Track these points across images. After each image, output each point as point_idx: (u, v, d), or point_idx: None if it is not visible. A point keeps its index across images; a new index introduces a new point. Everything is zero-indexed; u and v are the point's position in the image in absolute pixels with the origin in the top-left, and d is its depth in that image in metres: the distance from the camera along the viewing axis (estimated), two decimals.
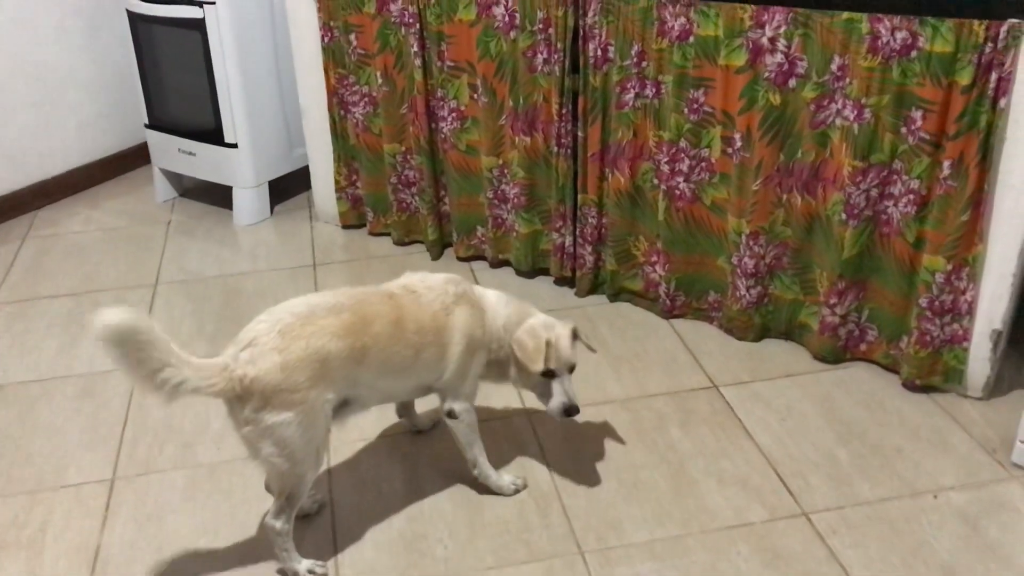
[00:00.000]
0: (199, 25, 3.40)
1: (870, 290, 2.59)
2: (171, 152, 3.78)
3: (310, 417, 1.90)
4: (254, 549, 2.12)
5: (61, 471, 2.39)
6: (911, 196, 2.39)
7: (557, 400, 2.12)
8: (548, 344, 2.09)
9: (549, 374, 2.11)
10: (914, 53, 2.24)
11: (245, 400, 1.85)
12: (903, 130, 2.34)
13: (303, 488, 1.98)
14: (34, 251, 3.57)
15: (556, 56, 2.77)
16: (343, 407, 2.02)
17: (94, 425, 2.56)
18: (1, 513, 2.25)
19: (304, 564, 2.03)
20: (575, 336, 2.16)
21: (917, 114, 2.30)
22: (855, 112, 2.36)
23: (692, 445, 2.40)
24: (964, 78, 2.19)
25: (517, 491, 2.26)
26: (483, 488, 2.26)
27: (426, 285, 2.11)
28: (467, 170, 3.18)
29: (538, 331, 2.12)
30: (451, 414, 2.17)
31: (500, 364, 2.20)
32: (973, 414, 2.48)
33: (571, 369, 2.15)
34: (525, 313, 2.19)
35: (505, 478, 2.26)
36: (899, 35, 2.23)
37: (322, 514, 2.22)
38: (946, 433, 2.42)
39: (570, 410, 2.12)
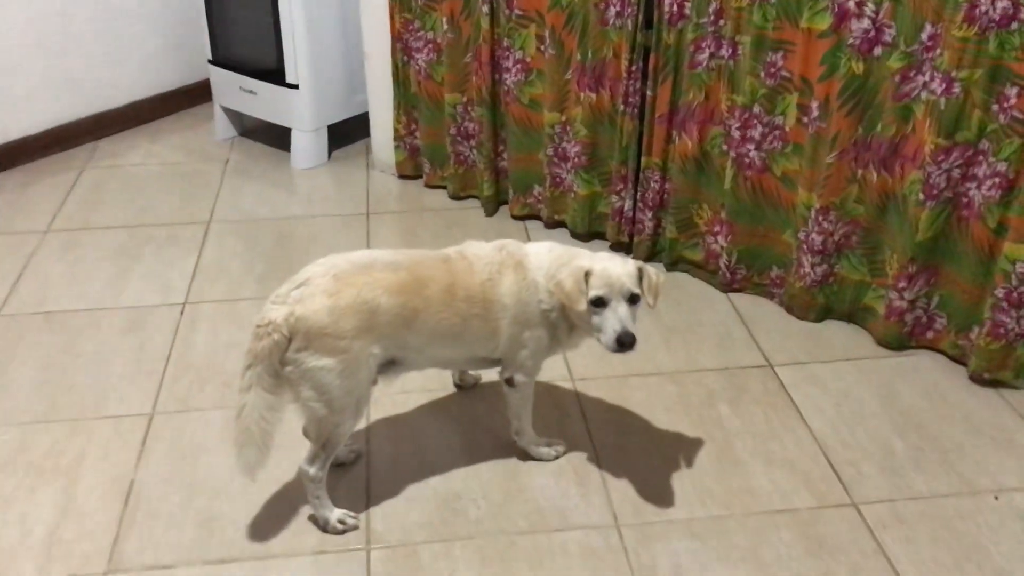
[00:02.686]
0: None
1: (942, 276, 2.46)
2: (233, 90, 3.74)
3: (352, 367, 1.86)
4: (287, 494, 2.10)
5: (102, 402, 2.39)
6: (996, 179, 2.25)
7: (610, 328, 1.89)
8: (588, 273, 1.91)
9: (599, 303, 1.90)
10: (1015, 25, 2.08)
11: (290, 338, 1.82)
12: (994, 108, 2.19)
13: (340, 437, 1.95)
14: (92, 181, 3.58)
15: (630, 10, 2.66)
16: (391, 365, 1.98)
17: (138, 359, 2.55)
18: (42, 439, 2.26)
19: (336, 513, 2.00)
20: (640, 275, 1.95)
21: (1012, 91, 2.15)
22: (943, 86, 2.22)
23: (741, 424, 2.32)
24: None
25: (557, 458, 2.20)
26: (522, 454, 2.20)
27: (478, 254, 2.02)
28: (528, 125, 3.09)
29: (576, 265, 1.93)
30: (509, 382, 2.10)
31: (556, 324, 2.04)
32: None
33: (631, 300, 1.92)
34: (572, 256, 2.00)
35: (544, 449, 2.20)
36: (1000, 4, 2.08)
37: (358, 464, 2.19)
38: (1013, 431, 2.29)
39: (622, 338, 1.88)
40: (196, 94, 4.17)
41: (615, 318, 1.89)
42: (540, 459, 2.19)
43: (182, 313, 2.75)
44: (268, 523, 2.03)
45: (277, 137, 3.79)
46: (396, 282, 1.89)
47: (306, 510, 2.04)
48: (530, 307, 2.00)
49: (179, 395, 2.41)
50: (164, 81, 4.11)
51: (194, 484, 2.13)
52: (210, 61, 3.77)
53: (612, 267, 1.92)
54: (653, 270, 1.97)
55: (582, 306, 1.90)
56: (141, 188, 3.53)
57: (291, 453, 2.18)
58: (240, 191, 3.52)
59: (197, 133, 3.99)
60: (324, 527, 2.00)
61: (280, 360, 1.84)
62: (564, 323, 2.03)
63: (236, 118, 3.93)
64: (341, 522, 2.00)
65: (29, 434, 2.28)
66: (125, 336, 2.65)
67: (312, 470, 1.96)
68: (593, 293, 1.89)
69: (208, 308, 2.78)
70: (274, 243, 3.17)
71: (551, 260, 2.00)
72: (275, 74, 3.55)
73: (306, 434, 2.10)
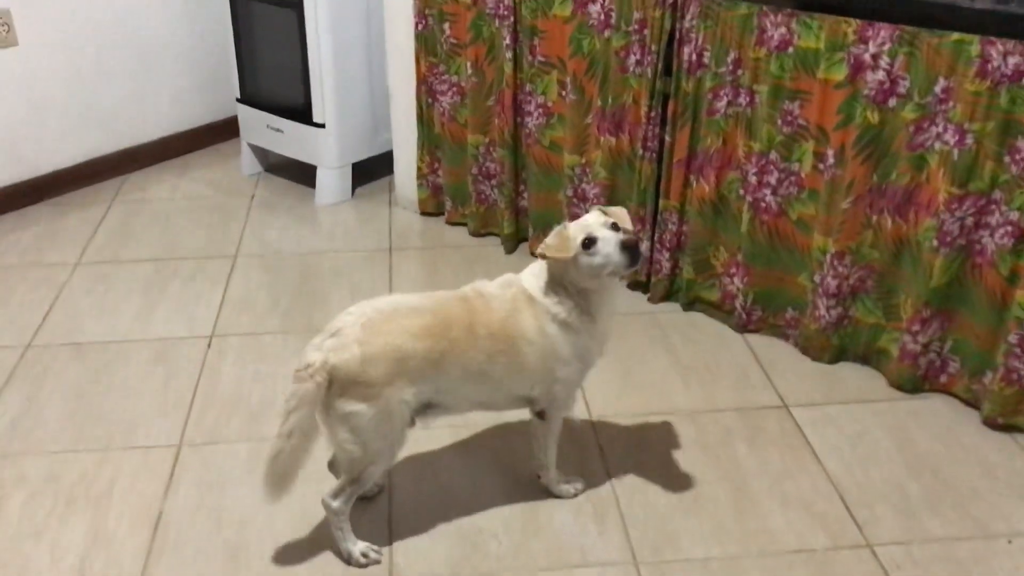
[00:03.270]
0: (297, 4, 3.44)
1: (956, 321, 2.50)
2: (260, 127, 3.83)
3: (385, 412, 1.91)
4: (313, 526, 2.14)
5: (131, 432, 2.45)
6: (1009, 228, 2.30)
7: (611, 247, 1.91)
8: (565, 226, 1.99)
9: (588, 243, 1.93)
10: None
11: (329, 383, 1.88)
12: (1006, 159, 2.25)
13: (370, 476, 2.00)
14: (121, 215, 3.66)
15: (649, 58, 2.73)
16: (429, 408, 2.01)
17: (165, 390, 2.61)
18: (72, 468, 2.32)
19: (359, 546, 2.05)
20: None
21: (1023, 144, 2.20)
22: (956, 137, 2.28)
23: (757, 464, 2.35)
24: None
25: (576, 495, 2.24)
26: (543, 491, 2.24)
27: (491, 293, 2.06)
28: (548, 166, 3.16)
29: (552, 234, 1.99)
30: (541, 415, 2.14)
31: (579, 329, 2.04)
32: None
33: (616, 228, 1.97)
34: None
35: (565, 486, 2.24)
36: (1011, 60, 2.14)
37: (380, 499, 2.23)
38: None
39: (627, 243, 1.91)
40: (223, 130, 4.27)
41: (610, 240, 1.93)
42: (560, 496, 2.23)
43: (209, 346, 2.81)
44: (294, 555, 2.07)
45: (302, 173, 3.88)
46: (422, 326, 1.94)
47: (328, 544, 2.08)
48: (555, 338, 2.03)
49: (206, 427, 2.47)
50: (193, 117, 4.21)
51: (221, 515, 2.18)
52: (238, 99, 3.86)
53: (582, 219, 2.01)
54: (611, 209, 2.06)
55: (572, 251, 1.93)
56: (169, 222, 3.61)
57: (318, 486, 2.22)
58: (266, 226, 3.59)
59: (224, 168, 4.08)
60: (348, 560, 2.04)
61: (322, 404, 1.90)
62: (585, 319, 2.03)
63: (262, 154, 4.02)
64: (364, 555, 2.04)
65: (59, 463, 2.33)
66: (153, 368, 2.71)
67: (336, 503, 2.00)
68: (579, 238, 1.94)
69: (234, 341, 2.84)
70: (299, 277, 3.24)
71: (539, 270, 2.06)
72: (302, 113, 3.64)
73: (331, 469, 2.15)
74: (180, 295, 3.10)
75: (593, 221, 1.99)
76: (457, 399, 2.05)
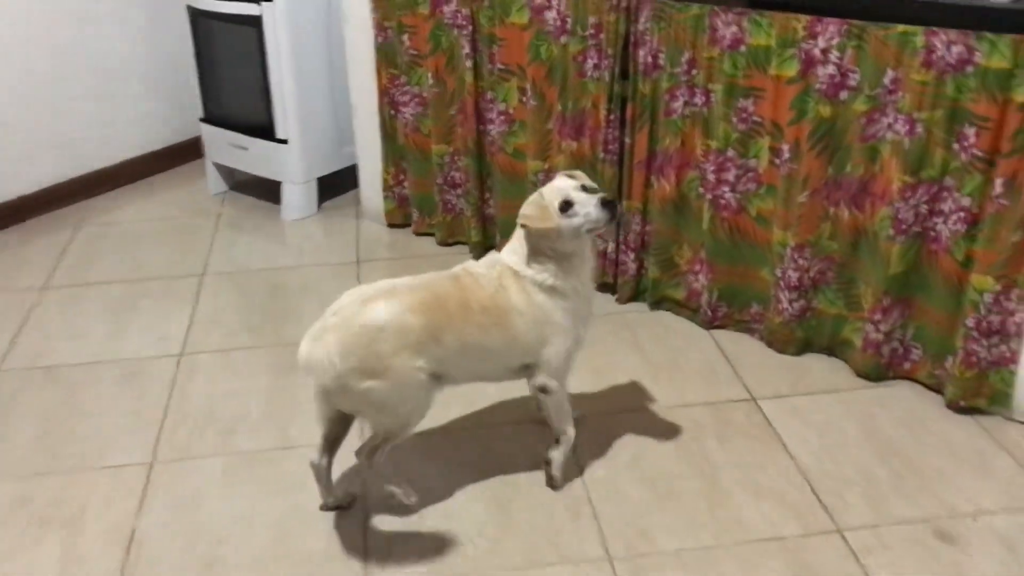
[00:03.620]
0: (256, 22, 3.46)
1: (916, 308, 2.55)
2: (224, 146, 3.84)
3: (399, 382, 1.98)
4: (288, 539, 2.14)
5: (102, 452, 2.44)
6: (961, 214, 2.35)
7: (589, 207, 2.02)
8: (541, 195, 2.08)
9: (566, 205, 2.03)
10: (970, 68, 2.20)
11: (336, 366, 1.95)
12: (955, 146, 2.30)
13: (401, 436, 2.10)
14: (88, 238, 3.65)
15: (606, 62, 2.77)
16: (437, 379, 2.08)
17: (137, 409, 2.61)
18: (43, 491, 2.30)
19: (398, 492, 2.18)
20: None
21: (971, 131, 2.26)
22: (907, 127, 2.33)
23: (728, 457, 2.38)
24: (1021, 95, 2.15)
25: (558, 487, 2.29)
26: (513, 492, 2.26)
27: (479, 271, 2.16)
28: (513, 173, 3.19)
29: (527, 203, 2.10)
30: (543, 390, 2.19)
31: (566, 293, 2.12)
32: (1018, 438, 2.42)
33: (589, 189, 2.08)
34: None
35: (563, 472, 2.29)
36: (955, 49, 2.20)
37: (354, 507, 2.23)
38: (989, 456, 2.37)
39: (604, 200, 2.02)
40: (188, 151, 4.27)
41: (587, 201, 2.03)
42: (555, 479, 2.27)
43: (179, 364, 2.81)
44: (270, 568, 2.07)
45: (268, 190, 3.88)
46: (419, 301, 2.02)
47: (304, 556, 2.08)
48: (545, 305, 2.11)
49: (178, 444, 2.46)
50: (156, 139, 4.20)
51: (195, 531, 2.17)
52: (202, 119, 3.87)
53: (553, 184, 2.10)
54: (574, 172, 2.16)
55: (554, 220, 2.03)
56: (136, 244, 3.60)
57: (295, 498, 2.24)
58: (233, 243, 3.60)
59: (189, 189, 4.08)
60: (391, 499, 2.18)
61: (340, 388, 1.97)
62: (570, 279, 2.11)
63: (227, 173, 4.03)
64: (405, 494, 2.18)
65: (31, 486, 2.32)
66: (123, 388, 2.71)
67: (374, 460, 2.11)
68: (556, 201, 2.03)
69: (204, 358, 2.84)
70: (267, 293, 3.24)
71: (519, 247, 2.13)
72: (265, 130, 3.65)
73: (358, 454, 2.16)
74: (149, 315, 3.09)
75: (564, 184, 2.08)
76: (459, 371, 2.11)
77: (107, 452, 2.44)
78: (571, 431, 2.26)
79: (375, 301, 2.00)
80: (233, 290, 3.26)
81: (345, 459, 2.21)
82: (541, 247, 2.09)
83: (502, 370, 2.19)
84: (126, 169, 4.10)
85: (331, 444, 2.16)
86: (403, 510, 2.20)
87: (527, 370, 2.19)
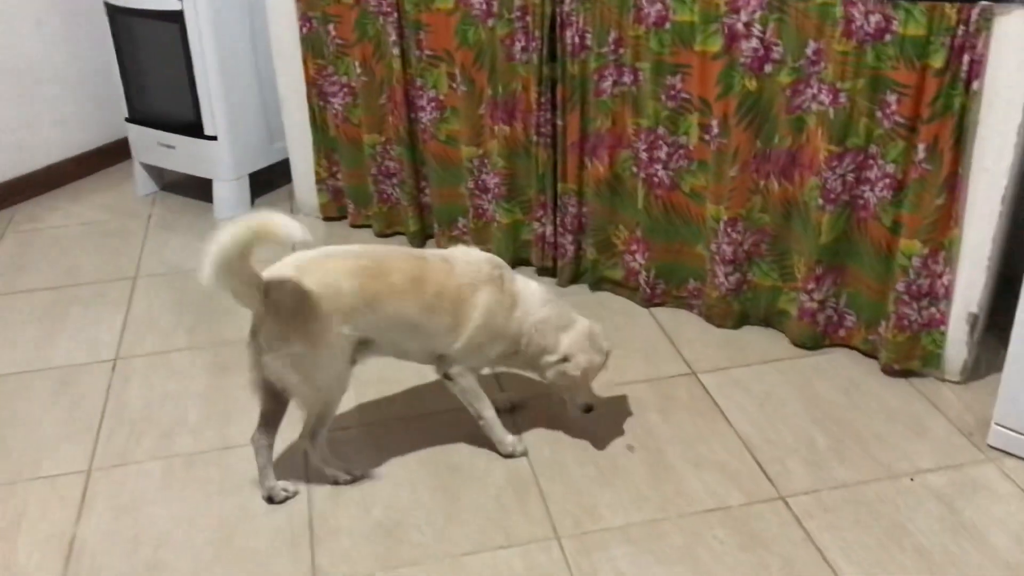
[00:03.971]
0: (177, 17, 3.39)
1: (848, 275, 2.59)
2: (151, 146, 3.76)
3: (325, 348, 2.01)
4: (231, 539, 2.11)
5: (37, 462, 2.37)
6: (887, 180, 2.40)
7: (583, 401, 2.29)
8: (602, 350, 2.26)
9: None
10: (888, 37, 2.24)
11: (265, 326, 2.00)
12: (878, 114, 2.34)
13: (329, 411, 2.15)
14: (13, 245, 3.55)
15: (534, 44, 2.77)
16: (366, 346, 2.11)
17: (71, 417, 2.54)
18: None
19: (340, 475, 2.23)
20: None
21: (892, 98, 2.30)
22: (830, 97, 2.37)
23: (670, 431, 2.40)
24: (937, 61, 2.20)
25: (513, 454, 2.31)
26: (457, 477, 2.26)
27: (466, 259, 2.19)
28: (447, 160, 3.17)
29: (594, 361, 2.23)
30: (447, 376, 2.22)
31: (527, 359, 2.24)
32: (951, 397, 2.49)
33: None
34: (565, 318, 2.24)
35: (508, 437, 2.31)
36: (873, 19, 2.24)
37: (298, 503, 2.21)
38: (924, 417, 2.42)
39: (589, 408, 2.30)
40: (115, 152, 4.16)
41: (589, 392, 2.35)
42: (499, 446, 2.31)
43: (113, 369, 2.75)
44: (214, 568, 2.04)
45: (199, 189, 3.81)
46: (356, 266, 2.06)
47: (248, 554, 2.06)
48: (501, 332, 2.18)
49: (116, 450, 2.41)
50: (81, 142, 4.09)
51: (136, 536, 2.13)
52: (127, 119, 3.78)
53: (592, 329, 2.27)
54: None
55: (591, 396, 2.33)
56: (65, 249, 3.51)
57: (237, 498, 2.20)
58: (165, 245, 3.52)
59: (118, 191, 3.99)
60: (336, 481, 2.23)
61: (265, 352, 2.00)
62: (536, 359, 2.24)
63: (156, 173, 3.94)
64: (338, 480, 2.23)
65: None
66: (57, 396, 2.64)
67: (310, 442, 2.17)
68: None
69: (139, 362, 2.78)
70: (202, 293, 3.15)
71: (545, 315, 2.21)
72: (193, 127, 3.58)
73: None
74: (80, 321, 3.02)
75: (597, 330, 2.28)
76: (385, 342, 2.14)
77: (43, 462, 2.38)
78: (488, 412, 2.29)
79: (311, 264, 2.04)
80: (167, 292, 3.19)
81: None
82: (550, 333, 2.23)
83: (425, 354, 2.22)
84: (51, 173, 3.99)
85: (267, 421, 2.17)
86: (351, 503, 2.19)
87: (440, 361, 2.22)
